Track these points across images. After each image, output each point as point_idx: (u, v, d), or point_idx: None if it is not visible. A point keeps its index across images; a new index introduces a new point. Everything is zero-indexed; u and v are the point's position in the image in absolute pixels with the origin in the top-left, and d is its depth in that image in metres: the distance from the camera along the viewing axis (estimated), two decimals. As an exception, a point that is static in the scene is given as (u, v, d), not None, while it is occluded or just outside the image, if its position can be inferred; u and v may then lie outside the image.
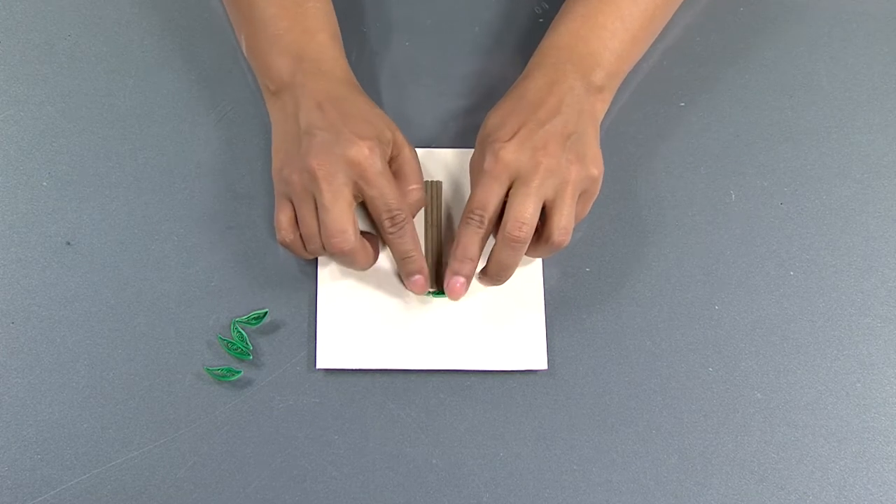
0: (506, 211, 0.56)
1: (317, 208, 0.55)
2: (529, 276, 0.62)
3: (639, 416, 0.60)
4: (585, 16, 0.61)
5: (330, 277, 0.62)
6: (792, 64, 0.69)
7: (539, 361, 0.60)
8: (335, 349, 0.60)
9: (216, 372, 0.60)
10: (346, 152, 0.54)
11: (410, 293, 0.61)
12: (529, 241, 0.56)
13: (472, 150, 0.64)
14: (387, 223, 0.56)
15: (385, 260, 0.62)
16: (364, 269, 0.59)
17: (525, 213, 0.55)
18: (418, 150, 0.64)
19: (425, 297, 0.61)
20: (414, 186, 0.59)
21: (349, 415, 0.60)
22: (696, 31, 0.69)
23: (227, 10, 0.66)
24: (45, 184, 0.64)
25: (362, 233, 0.59)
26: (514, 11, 0.70)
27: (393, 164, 0.59)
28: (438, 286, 0.62)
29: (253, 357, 0.60)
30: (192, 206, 0.64)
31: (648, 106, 0.67)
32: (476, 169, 0.58)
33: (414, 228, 0.57)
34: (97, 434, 0.59)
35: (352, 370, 0.61)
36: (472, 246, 0.57)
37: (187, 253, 0.63)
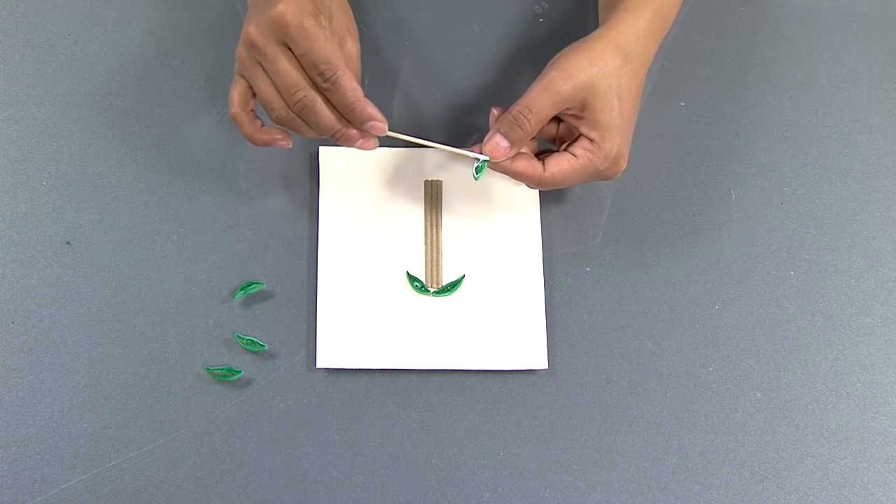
0: (560, 162, 0.56)
1: (269, 76, 0.54)
2: (529, 276, 0.62)
3: (639, 416, 0.60)
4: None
5: (330, 277, 0.62)
6: (792, 64, 0.69)
7: (539, 361, 0.60)
8: (335, 349, 0.60)
9: (216, 372, 0.60)
10: (270, 12, 0.52)
11: (410, 293, 0.61)
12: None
13: (472, 151, 0.64)
14: (318, 79, 0.53)
15: (385, 260, 0.62)
16: (333, 128, 0.55)
17: (562, 182, 0.57)
18: (418, 150, 0.65)
19: (425, 296, 0.61)
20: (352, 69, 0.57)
21: (349, 415, 0.60)
22: (696, 31, 0.69)
23: None
24: (45, 184, 0.64)
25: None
26: (514, 11, 0.70)
27: None
28: (437, 287, 0.62)
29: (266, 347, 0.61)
30: (192, 206, 0.64)
31: (648, 106, 0.67)
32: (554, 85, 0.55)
33: (351, 80, 0.54)
34: (97, 434, 0.59)
35: (352, 370, 0.61)
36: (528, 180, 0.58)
37: (187, 253, 0.63)
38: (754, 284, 0.63)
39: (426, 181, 0.64)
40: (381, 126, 0.56)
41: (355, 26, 0.59)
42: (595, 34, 0.57)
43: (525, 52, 0.68)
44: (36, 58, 0.67)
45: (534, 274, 0.62)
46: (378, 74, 0.67)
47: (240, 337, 0.60)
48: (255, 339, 0.60)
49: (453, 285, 0.62)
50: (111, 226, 0.63)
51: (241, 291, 0.61)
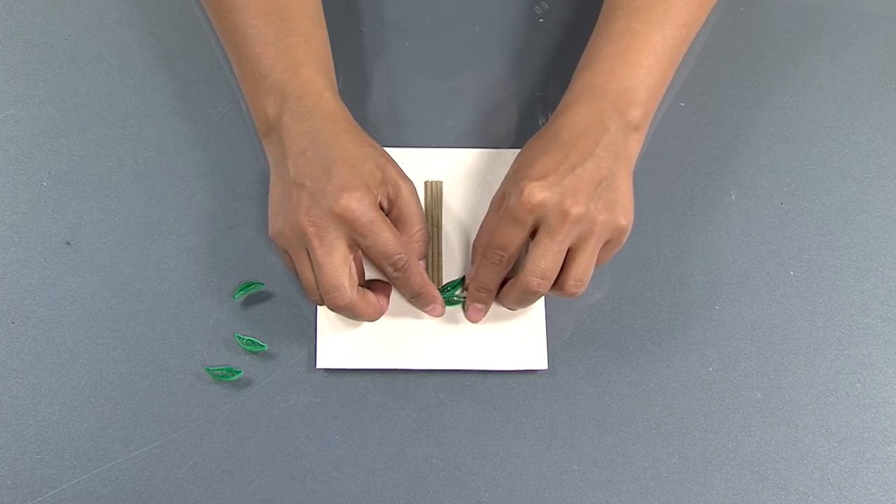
0: (527, 258, 0.55)
1: (312, 263, 0.55)
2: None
3: (639, 416, 0.60)
4: (619, 52, 0.58)
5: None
6: (792, 64, 0.69)
7: (539, 361, 0.60)
8: (335, 349, 0.60)
9: (216, 372, 0.60)
10: (333, 207, 0.53)
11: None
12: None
13: (472, 150, 0.65)
14: (389, 269, 0.55)
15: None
16: (371, 320, 0.58)
17: (546, 268, 0.54)
18: (418, 150, 0.65)
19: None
20: (416, 229, 0.57)
21: (349, 415, 0.60)
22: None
23: (223, 45, 0.63)
24: (45, 184, 0.64)
25: (373, 281, 0.59)
26: (514, 11, 0.70)
27: (392, 208, 0.57)
28: (437, 287, 0.62)
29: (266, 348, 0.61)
30: (192, 206, 0.64)
31: (648, 106, 0.67)
32: (498, 203, 0.57)
33: (418, 266, 0.57)
34: (97, 434, 0.59)
35: (352, 370, 0.61)
36: (490, 281, 0.58)
37: (187, 253, 0.63)
38: (754, 284, 0.63)
39: (426, 181, 0.64)
40: (439, 311, 0.59)
41: (397, 164, 0.58)
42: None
43: (525, 52, 0.68)
44: (36, 58, 0.67)
45: (534, 274, 0.62)
46: (378, 74, 0.67)
47: (240, 337, 0.60)
48: (255, 340, 0.60)
49: (453, 285, 0.62)
50: (111, 226, 0.63)
51: (241, 291, 0.61)
